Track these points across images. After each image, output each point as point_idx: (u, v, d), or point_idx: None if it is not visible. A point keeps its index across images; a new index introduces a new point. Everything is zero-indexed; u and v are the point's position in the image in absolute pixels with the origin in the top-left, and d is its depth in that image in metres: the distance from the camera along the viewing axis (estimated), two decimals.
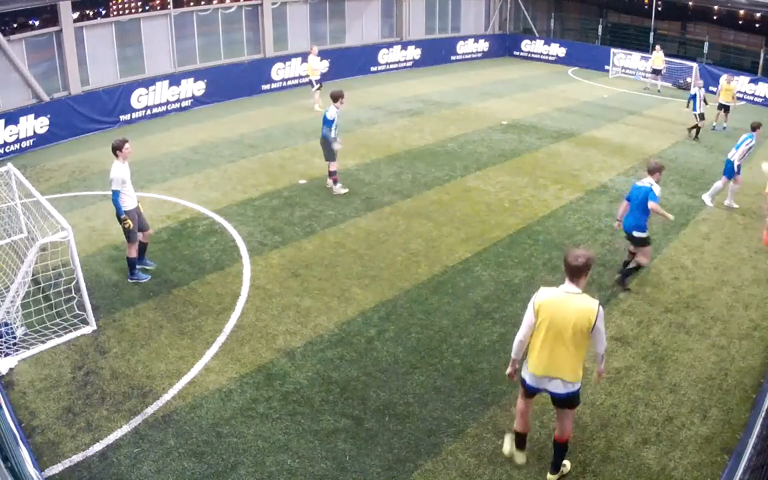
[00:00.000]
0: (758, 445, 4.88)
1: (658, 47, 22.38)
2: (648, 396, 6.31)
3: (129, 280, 8.39)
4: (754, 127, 11.51)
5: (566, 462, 5.33)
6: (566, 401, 4.92)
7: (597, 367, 5.14)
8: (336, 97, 10.97)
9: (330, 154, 11.22)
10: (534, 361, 4.89)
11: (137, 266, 8.46)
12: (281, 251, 9.29)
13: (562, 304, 4.74)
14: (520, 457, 5.33)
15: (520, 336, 5.00)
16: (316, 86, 17.90)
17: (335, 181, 11.55)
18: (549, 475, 5.28)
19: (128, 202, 8.10)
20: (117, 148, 8.05)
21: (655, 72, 22.30)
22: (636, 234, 8.04)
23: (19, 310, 7.24)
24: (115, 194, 7.96)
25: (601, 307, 4.74)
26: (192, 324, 7.46)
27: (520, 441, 5.30)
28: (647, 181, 7.99)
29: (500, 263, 9.04)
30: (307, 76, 18.47)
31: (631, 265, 8.33)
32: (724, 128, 16.99)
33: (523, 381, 5.09)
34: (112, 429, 5.77)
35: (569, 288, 4.83)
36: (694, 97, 16.15)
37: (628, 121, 17.72)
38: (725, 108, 16.97)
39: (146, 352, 6.93)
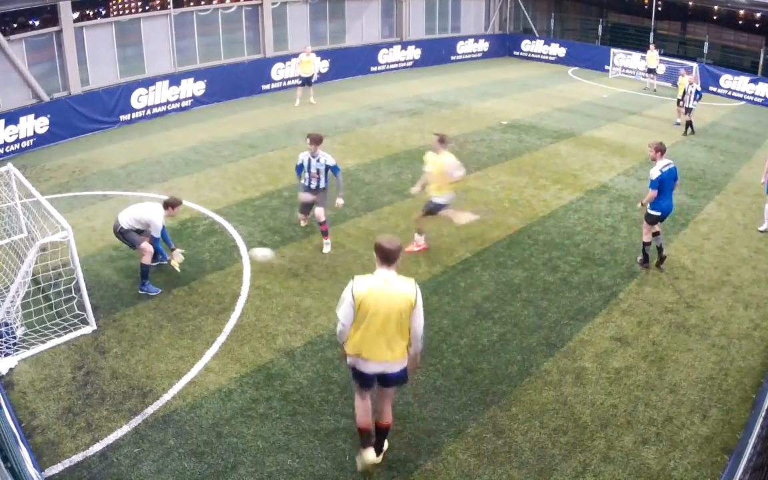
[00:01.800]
0: (758, 445, 4.88)
1: (652, 46, 22.42)
2: (648, 396, 6.31)
3: (140, 291, 8.11)
4: None
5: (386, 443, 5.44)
6: (399, 380, 5.08)
7: (413, 348, 5.06)
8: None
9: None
10: (368, 351, 4.86)
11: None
12: (281, 251, 9.29)
13: (384, 291, 4.81)
14: (371, 455, 5.13)
15: (343, 327, 4.90)
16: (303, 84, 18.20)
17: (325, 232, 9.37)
18: (375, 456, 5.21)
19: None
20: (172, 206, 8.18)
21: (650, 71, 22.36)
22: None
23: (19, 310, 7.24)
24: (156, 241, 8.23)
25: (417, 285, 4.93)
26: (192, 324, 7.46)
27: (366, 439, 5.14)
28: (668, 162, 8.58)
29: (500, 263, 9.04)
30: (306, 75, 18.39)
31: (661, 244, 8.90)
32: (678, 124, 17.35)
33: (359, 375, 5.04)
34: (112, 429, 5.77)
35: (386, 274, 4.88)
36: (698, 93, 16.16)
37: (628, 121, 17.72)
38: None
39: (146, 352, 6.93)
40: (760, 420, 5.36)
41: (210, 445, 5.60)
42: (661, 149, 8.53)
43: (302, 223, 9.95)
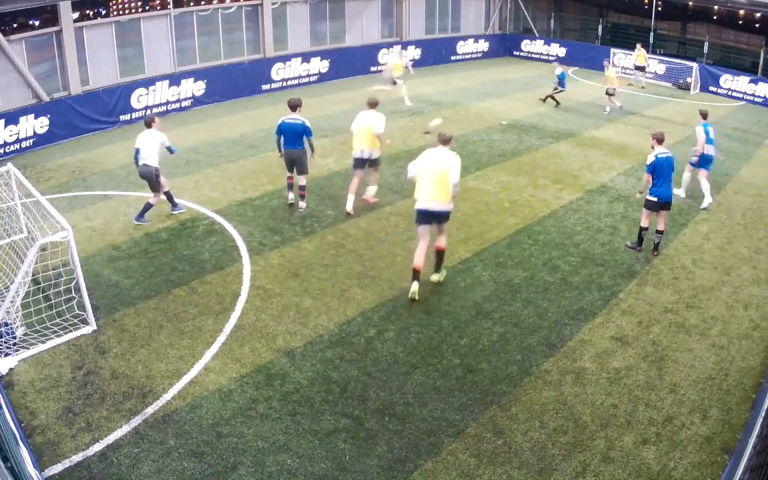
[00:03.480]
0: (758, 445, 4.88)
1: (638, 45, 22.58)
2: (648, 396, 6.31)
3: (134, 221, 10.05)
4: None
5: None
6: (446, 216, 7.91)
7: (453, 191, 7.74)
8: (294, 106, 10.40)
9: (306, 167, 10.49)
10: (423, 196, 7.79)
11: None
12: (281, 251, 9.29)
13: (434, 158, 7.82)
14: (416, 286, 7.85)
15: (410, 178, 8.06)
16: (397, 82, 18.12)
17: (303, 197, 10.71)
18: (434, 275, 8.27)
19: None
20: (152, 120, 10.16)
21: (639, 69, 22.65)
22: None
23: (19, 310, 7.24)
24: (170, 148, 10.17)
25: (456, 155, 7.80)
26: (192, 324, 7.46)
27: (415, 276, 7.88)
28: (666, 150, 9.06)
29: (500, 263, 9.04)
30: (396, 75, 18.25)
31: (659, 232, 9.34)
32: (608, 111, 18.49)
33: (418, 211, 7.85)
34: (112, 429, 5.77)
35: (441, 149, 7.87)
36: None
37: (628, 121, 17.72)
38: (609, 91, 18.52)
39: (146, 352, 6.93)
40: (760, 420, 5.36)
41: (210, 445, 5.60)
42: (658, 138, 9.09)
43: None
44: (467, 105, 19.03)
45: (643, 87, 22.40)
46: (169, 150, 10.16)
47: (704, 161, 11.27)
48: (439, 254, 8.20)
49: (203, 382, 6.45)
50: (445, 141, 7.90)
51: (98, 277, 8.52)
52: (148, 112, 16.94)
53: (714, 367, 6.80)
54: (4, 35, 14.53)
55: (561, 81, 18.90)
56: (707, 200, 11.17)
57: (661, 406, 6.17)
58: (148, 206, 10.16)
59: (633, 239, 9.73)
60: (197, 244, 9.54)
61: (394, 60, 18.59)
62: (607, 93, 18.56)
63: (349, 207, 10.50)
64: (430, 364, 6.77)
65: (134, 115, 16.67)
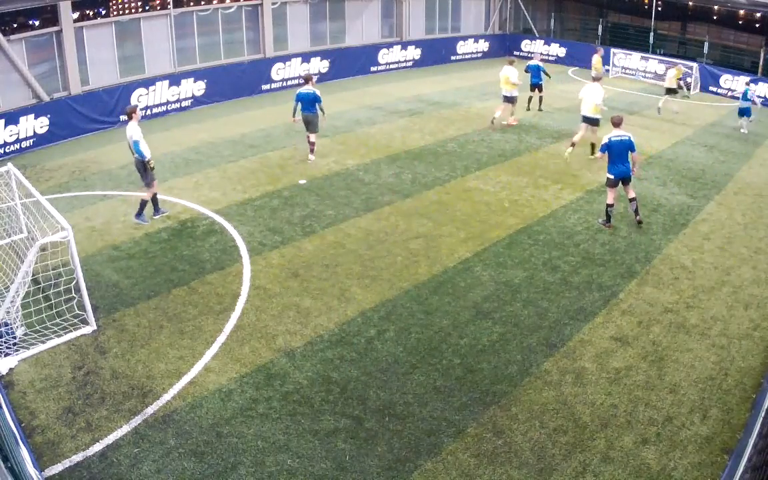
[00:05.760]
0: (758, 444, 4.88)
1: (679, 64, 20.17)
2: (648, 396, 6.31)
3: (133, 220, 10.14)
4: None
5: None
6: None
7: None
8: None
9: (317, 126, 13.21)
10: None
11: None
12: (281, 251, 9.29)
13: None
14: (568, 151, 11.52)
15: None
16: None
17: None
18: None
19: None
20: (133, 111, 9.98)
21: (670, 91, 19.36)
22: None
23: (19, 310, 7.25)
24: (136, 144, 9.80)
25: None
26: (192, 324, 7.46)
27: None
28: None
29: (500, 263, 9.04)
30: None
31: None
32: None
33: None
34: (112, 429, 5.77)
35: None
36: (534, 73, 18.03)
37: (628, 121, 17.51)
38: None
39: (146, 352, 6.93)
40: (760, 420, 5.36)
41: (210, 445, 5.60)
42: (614, 122, 10.05)
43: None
44: (467, 105, 19.03)
45: (677, 112, 18.76)
46: (136, 148, 9.80)
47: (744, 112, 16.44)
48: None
49: (203, 382, 6.45)
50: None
51: (98, 277, 8.52)
52: (148, 112, 16.97)
53: (714, 367, 6.80)
54: (4, 35, 14.53)
55: (536, 73, 18.09)
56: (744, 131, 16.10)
57: (661, 406, 6.17)
58: (143, 203, 10.22)
59: (632, 238, 9.74)
60: (197, 244, 9.54)
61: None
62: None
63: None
64: (430, 364, 6.77)
65: None
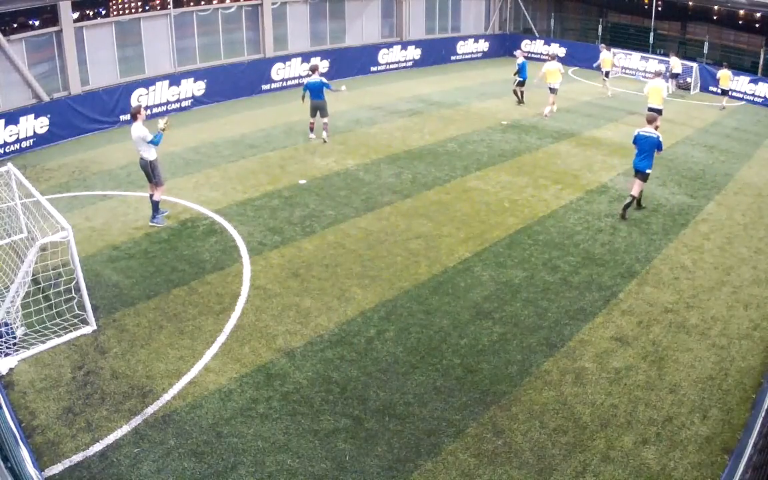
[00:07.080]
0: (759, 443, 4.89)
1: (602, 46, 22.20)
2: (648, 396, 6.31)
3: (150, 223, 10.08)
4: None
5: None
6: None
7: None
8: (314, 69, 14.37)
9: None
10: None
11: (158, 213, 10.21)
12: (281, 251, 9.29)
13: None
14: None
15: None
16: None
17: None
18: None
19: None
20: (137, 112, 9.84)
21: (607, 74, 21.48)
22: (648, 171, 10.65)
23: (19, 310, 7.25)
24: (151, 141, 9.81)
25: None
26: (192, 324, 7.46)
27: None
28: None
29: (500, 263, 9.04)
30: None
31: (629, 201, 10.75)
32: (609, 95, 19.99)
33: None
34: (112, 429, 5.77)
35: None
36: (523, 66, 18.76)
37: (628, 121, 17.70)
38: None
39: (146, 352, 6.93)
40: (760, 420, 5.36)
41: (210, 445, 5.61)
42: (648, 119, 10.44)
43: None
44: (467, 105, 19.03)
45: (609, 95, 20.72)
46: (153, 143, 9.83)
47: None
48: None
49: (203, 382, 6.45)
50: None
51: (98, 277, 8.52)
52: (148, 111, 16.96)
53: (714, 367, 6.79)
54: (4, 35, 14.52)
55: (521, 70, 18.74)
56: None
57: (661, 406, 6.17)
58: (154, 204, 10.14)
59: (632, 238, 9.76)
60: (197, 244, 9.54)
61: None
62: (598, 68, 18.83)
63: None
64: (430, 364, 6.77)
65: None
